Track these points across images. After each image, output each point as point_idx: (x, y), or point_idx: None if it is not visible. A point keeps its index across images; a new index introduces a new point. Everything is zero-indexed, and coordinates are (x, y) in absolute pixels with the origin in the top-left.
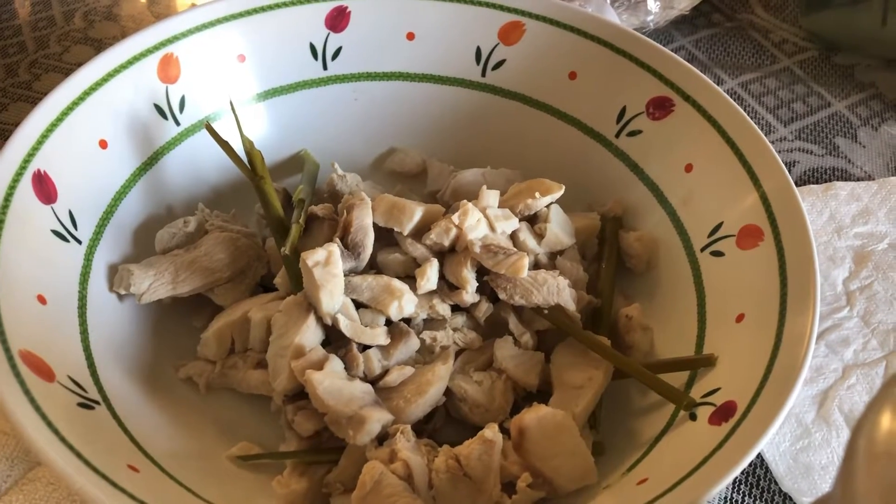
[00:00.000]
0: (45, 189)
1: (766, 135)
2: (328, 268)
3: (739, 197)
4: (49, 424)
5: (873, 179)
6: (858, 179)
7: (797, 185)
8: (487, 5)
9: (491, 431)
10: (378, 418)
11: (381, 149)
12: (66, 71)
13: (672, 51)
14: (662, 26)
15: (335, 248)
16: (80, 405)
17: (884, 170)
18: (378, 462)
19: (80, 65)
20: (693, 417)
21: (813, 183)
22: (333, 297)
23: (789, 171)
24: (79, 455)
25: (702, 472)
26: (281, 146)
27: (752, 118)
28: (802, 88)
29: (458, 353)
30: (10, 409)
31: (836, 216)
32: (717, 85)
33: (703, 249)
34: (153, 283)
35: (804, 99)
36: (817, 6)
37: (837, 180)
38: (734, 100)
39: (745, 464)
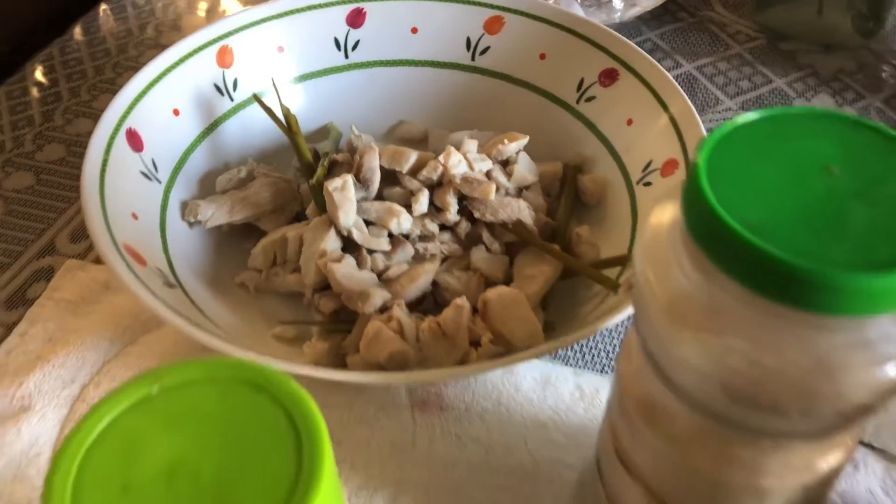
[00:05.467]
0: (134, 142)
1: (713, 105)
2: (344, 192)
3: (665, 140)
4: (149, 290)
5: None
6: None
7: None
8: (475, 4)
9: (461, 300)
10: (380, 295)
11: (392, 121)
12: None
13: (638, 42)
14: (628, 21)
15: (349, 177)
16: (166, 284)
17: None
18: (378, 321)
19: None
20: (616, 292)
21: None
22: (348, 215)
23: None
24: (174, 310)
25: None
26: (312, 119)
27: (702, 93)
28: (749, 70)
29: (443, 261)
30: (124, 279)
31: None
32: (676, 68)
33: (637, 182)
34: (215, 213)
35: (750, 77)
36: (767, 2)
37: None
38: (689, 80)
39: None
